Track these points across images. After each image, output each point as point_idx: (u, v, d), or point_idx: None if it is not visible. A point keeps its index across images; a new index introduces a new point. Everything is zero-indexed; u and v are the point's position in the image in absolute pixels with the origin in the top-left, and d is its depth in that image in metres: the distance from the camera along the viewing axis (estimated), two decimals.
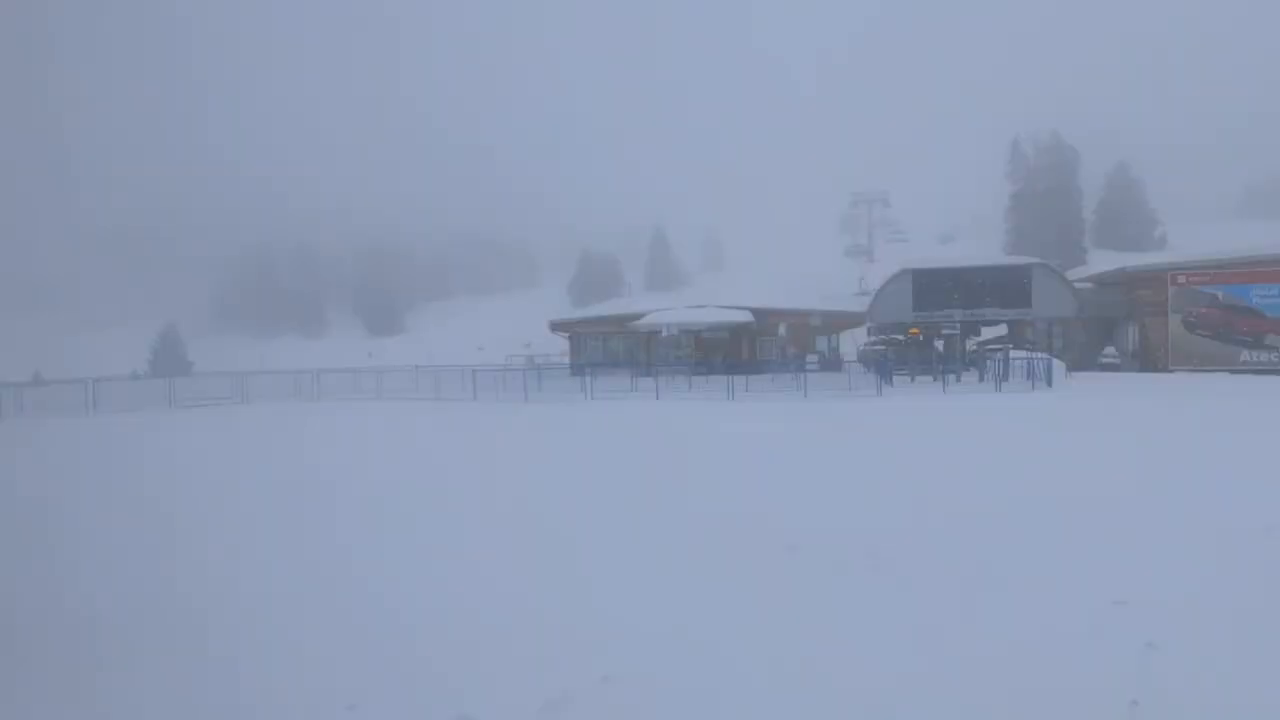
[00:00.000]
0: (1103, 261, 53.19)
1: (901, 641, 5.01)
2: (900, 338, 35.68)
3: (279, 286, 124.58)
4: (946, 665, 4.65)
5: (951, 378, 29.07)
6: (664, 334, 35.90)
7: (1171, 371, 32.12)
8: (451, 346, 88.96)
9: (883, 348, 35.32)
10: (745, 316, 37.70)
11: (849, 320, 42.52)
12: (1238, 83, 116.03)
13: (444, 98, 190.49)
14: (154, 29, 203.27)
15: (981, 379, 28.81)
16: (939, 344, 36.49)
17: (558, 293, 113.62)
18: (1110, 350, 37.55)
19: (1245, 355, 31.74)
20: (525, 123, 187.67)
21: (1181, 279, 33.00)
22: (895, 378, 29.88)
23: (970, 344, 37.42)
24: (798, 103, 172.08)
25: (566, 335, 42.98)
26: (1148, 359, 33.98)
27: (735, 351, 38.12)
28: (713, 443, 14.58)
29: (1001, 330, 39.23)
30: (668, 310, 38.51)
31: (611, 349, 40.66)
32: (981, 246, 76.26)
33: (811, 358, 37.22)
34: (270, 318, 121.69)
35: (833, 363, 38.34)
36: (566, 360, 43.52)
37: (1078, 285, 37.53)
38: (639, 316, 38.41)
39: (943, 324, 36.54)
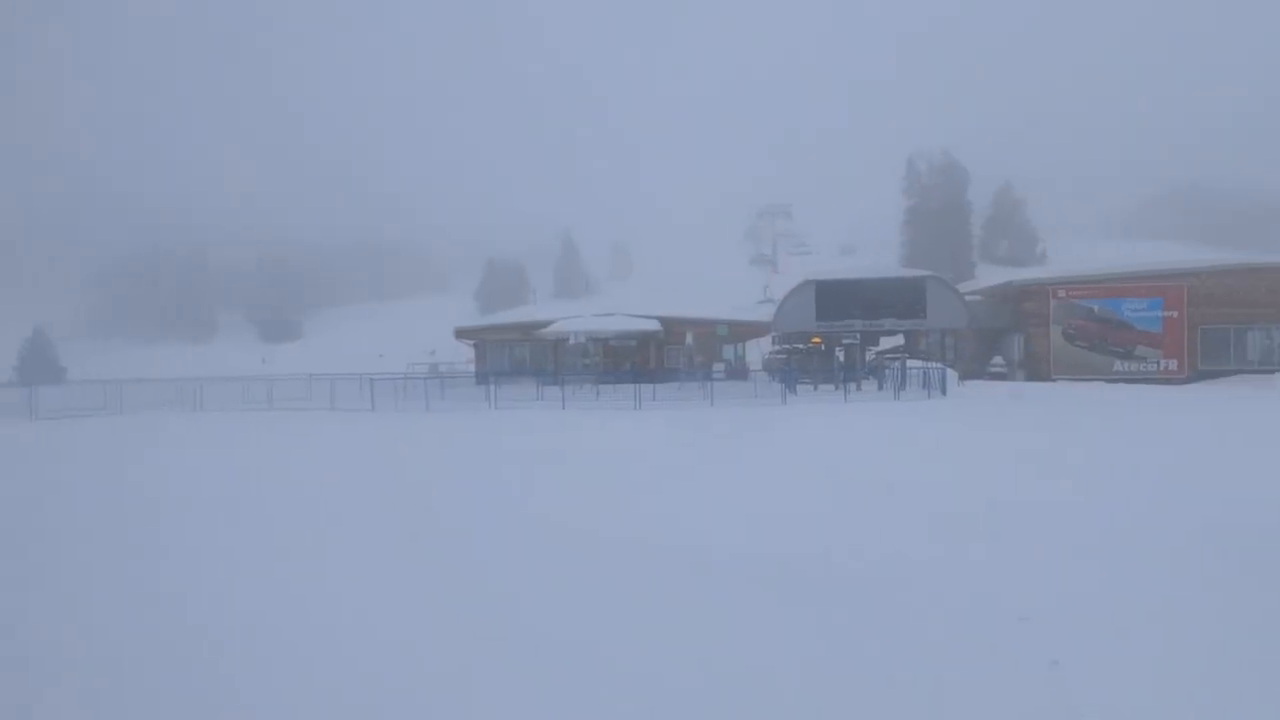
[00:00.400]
0: (990, 275, 55.99)
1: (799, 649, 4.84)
2: (802, 347, 36.41)
3: (166, 290, 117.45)
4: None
5: (853, 386, 29.85)
6: (571, 342, 35.52)
7: (1054, 380, 33.91)
8: (352, 354, 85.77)
9: (784, 357, 35.94)
10: (653, 325, 37.75)
11: (755, 330, 43.19)
12: (1114, 110, 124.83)
13: (343, 98, 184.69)
14: (24, 28, 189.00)
15: (880, 388, 29.66)
16: (840, 353, 37.44)
17: (464, 299, 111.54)
18: (998, 360, 39.39)
19: (1118, 365, 33.84)
20: (429, 126, 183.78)
21: (1061, 293, 34.93)
22: (799, 386, 30.44)
23: (870, 353, 38.56)
24: (704, 113, 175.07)
25: (472, 343, 42.00)
26: (1032, 368, 35.78)
27: (643, 360, 38.11)
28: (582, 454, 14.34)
29: (899, 340, 40.62)
30: (576, 318, 38.16)
31: (518, 357, 39.97)
32: (880, 259, 79.07)
33: (718, 366, 37.55)
34: (155, 323, 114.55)
35: (739, 371, 38.81)
36: (472, 368, 42.52)
37: (968, 297, 39.24)
38: (547, 324, 37.90)
39: (843, 334, 37.51)
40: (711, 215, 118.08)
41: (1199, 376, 32.63)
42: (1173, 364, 33.23)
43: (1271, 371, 31.06)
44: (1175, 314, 33.38)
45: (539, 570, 6.97)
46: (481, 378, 36.88)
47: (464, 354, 49.76)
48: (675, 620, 5.63)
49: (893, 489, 10.37)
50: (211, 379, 32.78)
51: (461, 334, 42.41)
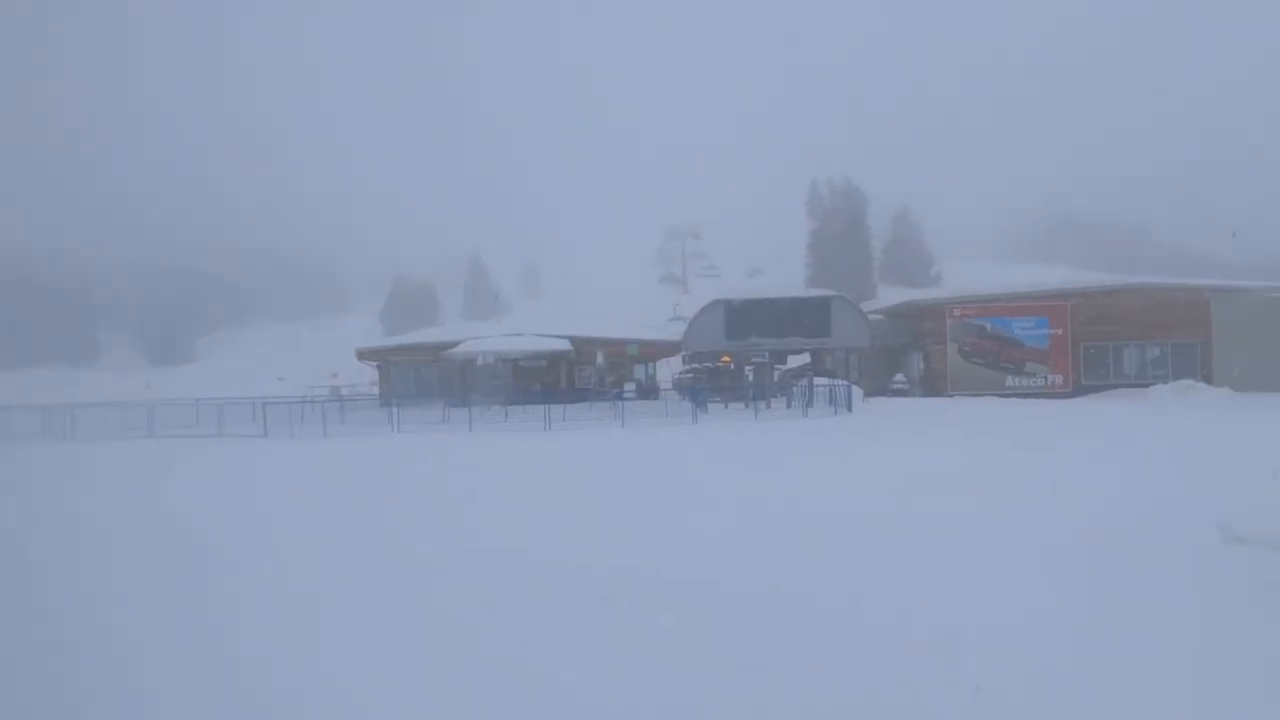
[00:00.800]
0: (890, 296, 58.12)
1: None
2: (711, 365, 36.72)
3: (40, 308, 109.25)
4: None
5: (762, 404, 30.22)
6: (479, 362, 34.72)
7: (951, 396, 35.22)
8: (250, 377, 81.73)
9: (691, 376, 36.17)
10: (564, 345, 37.34)
11: (665, 349, 43.33)
12: (999, 140, 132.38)
13: (239, 105, 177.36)
14: None
15: (789, 405, 30.10)
16: (749, 372, 37.93)
17: (369, 320, 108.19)
18: (900, 377, 40.73)
19: (1010, 380, 35.46)
20: (332, 139, 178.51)
21: (957, 312, 36.43)
22: (710, 405, 30.61)
23: (777, 372, 39.22)
24: (613, 132, 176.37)
25: (375, 364, 40.54)
26: (931, 385, 37.12)
27: (554, 380, 37.63)
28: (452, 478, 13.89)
29: (805, 358, 41.50)
30: (484, 338, 37.36)
31: (425, 379, 38.78)
32: (787, 280, 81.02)
33: (629, 386, 37.42)
34: (26, 345, 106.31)
35: (650, 390, 38.79)
36: (377, 391, 40.99)
37: (870, 317, 40.49)
38: (454, 344, 36.95)
39: (753, 352, 38.05)
40: (622, 236, 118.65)
41: (1082, 390, 34.51)
42: (1059, 379, 35.06)
43: (1146, 385, 33.09)
44: (1060, 332, 35.27)
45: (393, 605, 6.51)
46: (385, 401, 35.61)
47: (368, 376, 48.06)
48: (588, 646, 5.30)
49: (838, 518, 10.33)
50: (86, 405, 30.39)
51: (364, 355, 40.88)
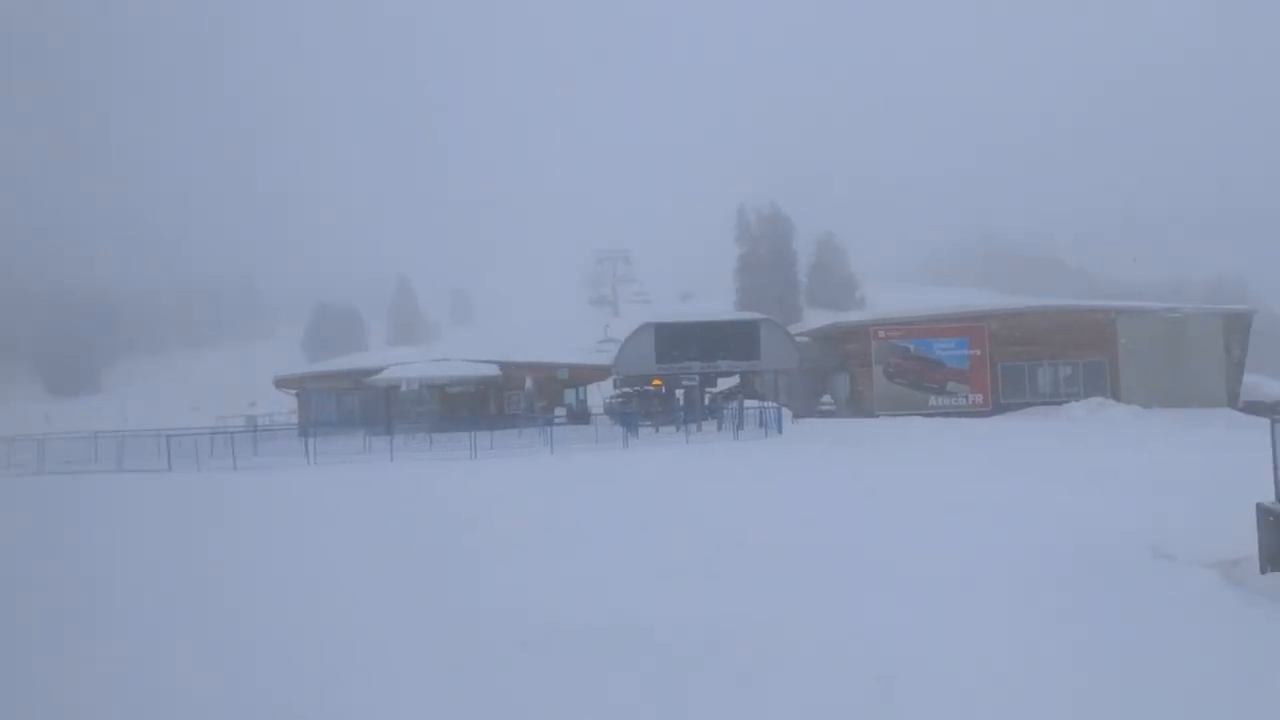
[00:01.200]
0: (816, 320, 59.13)
1: None
2: (639, 390, 36.49)
3: None
4: None
5: (694, 428, 30.13)
6: (403, 389, 33.66)
7: (878, 416, 35.81)
8: (161, 408, 77.70)
9: (621, 400, 35.90)
10: (492, 370, 36.59)
11: (596, 373, 42.94)
12: (917, 168, 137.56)
13: (154, 125, 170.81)
14: None
15: (720, 428, 30.05)
16: (680, 395, 37.82)
17: (291, 347, 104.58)
18: (827, 398, 41.29)
19: (933, 400, 36.27)
20: (252, 160, 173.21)
21: (881, 334, 37.17)
22: (641, 429, 30.34)
23: (708, 395, 39.23)
24: (544, 157, 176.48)
25: (294, 392, 38.92)
26: (858, 405, 37.71)
27: (483, 406, 36.79)
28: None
29: (735, 381, 41.67)
30: (409, 364, 36.27)
31: (347, 406, 37.40)
32: (717, 303, 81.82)
33: (560, 411, 36.86)
34: None
35: (581, 415, 38.26)
36: (296, 420, 39.29)
37: (798, 339, 41.03)
38: (378, 370, 35.78)
39: (683, 375, 37.99)
40: (553, 263, 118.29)
41: (1000, 409, 35.55)
42: (979, 398, 36.03)
43: (1060, 402, 34.29)
44: (979, 352, 36.31)
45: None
46: (303, 430, 34.16)
47: (289, 405, 46.14)
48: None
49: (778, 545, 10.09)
50: None
51: (282, 383, 39.18)
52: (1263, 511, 7.40)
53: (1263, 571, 7.31)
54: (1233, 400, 35.50)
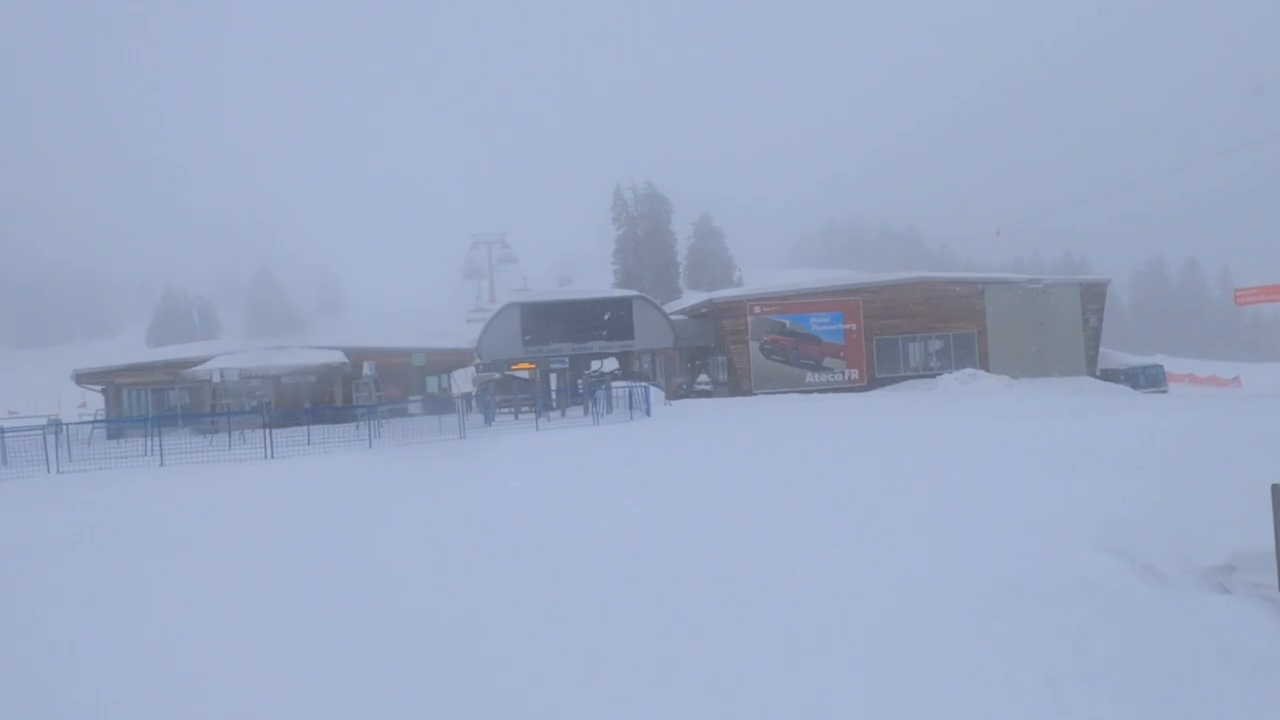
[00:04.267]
0: (695, 300, 57.77)
1: None
2: (499, 375, 33.82)
3: None
4: None
5: (557, 414, 27.83)
6: (215, 380, 29.52)
7: (755, 394, 34.47)
8: None
9: (474, 390, 33.22)
10: (338, 357, 32.91)
11: (462, 358, 39.85)
12: (789, 153, 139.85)
13: None
14: None
15: (586, 412, 27.81)
16: (553, 379, 35.35)
17: (135, 342, 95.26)
18: (704, 378, 39.78)
19: (810, 377, 35.28)
20: (88, 142, 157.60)
21: (757, 309, 35.85)
22: (499, 416, 27.79)
23: (581, 378, 36.92)
24: (420, 141, 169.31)
25: (100, 388, 33.87)
26: (735, 384, 36.29)
27: (327, 397, 33.09)
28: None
29: (613, 363, 39.50)
30: (235, 353, 32.04)
31: (166, 403, 32.78)
32: (595, 287, 79.67)
33: (415, 399, 33.66)
34: None
35: (444, 403, 35.14)
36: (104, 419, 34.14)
37: (674, 317, 39.23)
38: (200, 361, 31.42)
39: (552, 359, 35.52)
40: (429, 250, 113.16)
41: (876, 384, 34.96)
42: (854, 373, 35.31)
43: (934, 375, 33.97)
44: (854, 327, 35.57)
45: None
46: (112, 430, 29.58)
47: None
48: None
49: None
50: None
51: (83, 378, 33.90)
52: None
53: None
54: (1091, 367, 36.29)
